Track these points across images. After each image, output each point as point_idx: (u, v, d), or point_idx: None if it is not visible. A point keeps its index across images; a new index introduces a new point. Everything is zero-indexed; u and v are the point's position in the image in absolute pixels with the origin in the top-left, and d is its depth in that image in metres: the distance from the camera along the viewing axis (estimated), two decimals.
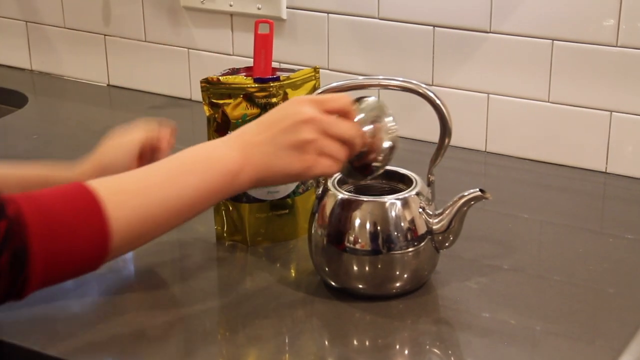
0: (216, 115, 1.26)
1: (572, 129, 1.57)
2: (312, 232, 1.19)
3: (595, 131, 1.55)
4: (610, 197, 1.53)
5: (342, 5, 1.70)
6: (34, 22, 2.08)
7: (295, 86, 1.28)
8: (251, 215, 1.30)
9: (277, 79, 1.26)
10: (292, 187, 1.30)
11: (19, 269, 0.92)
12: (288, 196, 1.30)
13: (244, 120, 1.25)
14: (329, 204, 1.17)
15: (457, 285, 1.21)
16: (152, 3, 1.91)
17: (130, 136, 1.25)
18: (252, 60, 1.30)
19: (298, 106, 1.06)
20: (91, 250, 0.96)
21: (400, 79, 1.17)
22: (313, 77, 1.30)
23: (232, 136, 1.07)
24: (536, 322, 1.14)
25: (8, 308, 1.15)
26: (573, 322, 1.14)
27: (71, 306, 1.18)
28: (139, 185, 1.00)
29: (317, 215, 1.18)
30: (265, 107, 1.25)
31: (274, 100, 1.26)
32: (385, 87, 1.19)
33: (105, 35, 2.00)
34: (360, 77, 1.28)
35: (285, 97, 1.27)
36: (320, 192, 1.20)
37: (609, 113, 1.53)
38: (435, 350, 1.10)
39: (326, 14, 1.72)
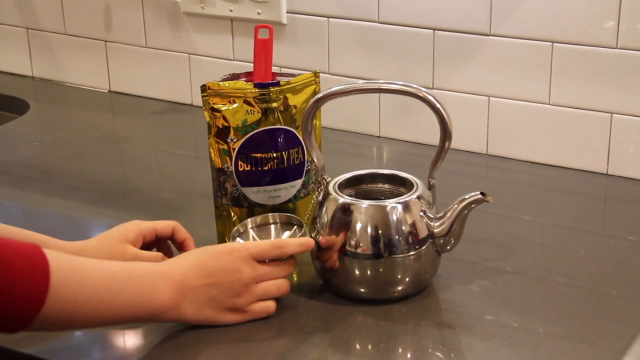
0: (217, 121, 1.26)
1: (573, 131, 1.57)
2: (314, 236, 1.19)
3: (596, 133, 1.55)
4: (611, 199, 1.53)
5: (343, 10, 1.70)
6: (35, 29, 2.08)
7: (296, 91, 1.28)
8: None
9: (277, 83, 1.26)
10: (293, 191, 1.30)
11: None
12: (289, 200, 1.30)
13: (244, 125, 1.25)
14: (330, 208, 1.17)
15: (459, 288, 1.21)
16: (153, 9, 1.91)
17: (121, 247, 1.21)
18: (252, 65, 1.30)
19: (239, 265, 1.11)
20: (23, 307, 0.95)
21: (400, 82, 1.17)
22: (313, 82, 1.30)
23: (174, 275, 1.08)
24: (538, 325, 1.14)
25: None
26: (575, 324, 1.14)
27: None
28: (84, 275, 1.00)
29: (318, 219, 1.19)
30: (265, 112, 1.26)
31: (274, 105, 1.26)
32: (386, 91, 1.19)
33: (106, 41, 2.00)
34: (361, 81, 1.29)
35: (285, 102, 1.27)
36: (321, 196, 1.20)
37: (609, 115, 1.53)
38: (438, 354, 1.10)
39: (326, 19, 1.72)
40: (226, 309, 1.12)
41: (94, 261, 1.05)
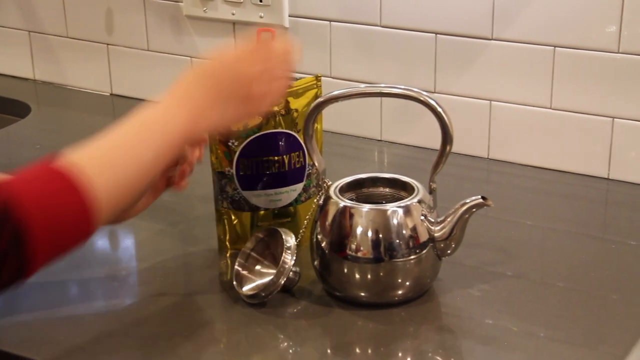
0: None
1: (575, 135, 1.57)
2: (314, 239, 1.19)
3: (597, 137, 1.55)
4: (613, 203, 1.53)
5: (345, 13, 1.70)
6: (37, 32, 2.08)
7: (297, 94, 1.28)
8: (253, 223, 1.30)
9: None
10: (294, 195, 1.30)
11: (21, 247, 0.92)
12: (290, 204, 1.30)
13: (245, 128, 1.25)
14: (330, 212, 1.17)
15: (459, 292, 1.21)
16: (155, 12, 1.91)
17: None
18: None
19: (246, 67, 1.12)
20: (80, 219, 0.97)
21: (402, 86, 1.17)
22: (315, 86, 1.30)
23: (180, 97, 1.10)
24: (539, 329, 1.14)
25: (10, 318, 1.16)
26: (576, 329, 1.13)
27: (75, 316, 1.18)
28: (109, 151, 1.03)
29: (318, 223, 1.19)
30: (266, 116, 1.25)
31: (275, 108, 1.26)
32: (387, 95, 1.19)
33: (108, 44, 2.00)
34: (363, 85, 1.29)
35: (287, 106, 1.27)
36: (321, 200, 1.20)
37: (611, 119, 1.53)
38: (438, 358, 1.10)
39: (328, 22, 1.72)
40: (244, 102, 1.12)
41: (108, 138, 1.05)
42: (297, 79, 1.30)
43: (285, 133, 1.27)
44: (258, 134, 1.26)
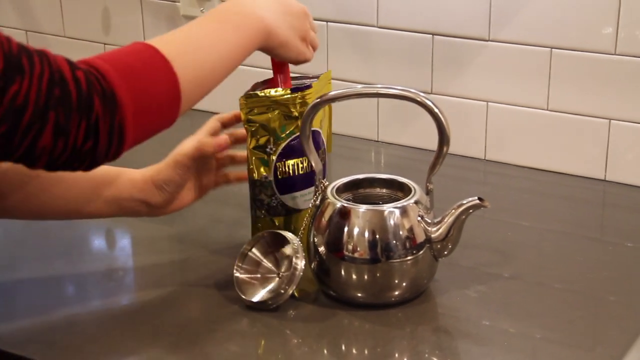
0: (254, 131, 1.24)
1: (571, 137, 1.57)
2: (311, 240, 1.19)
3: (594, 139, 1.55)
4: (609, 204, 1.53)
5: (341, 14, 1.70)
6: (34, 31, 2.08)
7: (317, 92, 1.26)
8: (287, 227, 1.28)
9: (309, 86, 1.24)
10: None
11: (113, 110, 0.93)
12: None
13: (283, 132, 1.23)
14: (327, 213, 1.17)
15: (456, 293, 1.21)
16: (152, 12, 1.91)
17: (182, 151, 1.25)
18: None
19: (298, 3, 1.20)
20: (167, 94, 0.99)
21: (399, 87, 1.17)
22: (329, 82, 1.30)
23: (254, 4, 1.14)
24: (536, 330, 1.14)
25: (7, 317, 1.16)
26: (573, 330, 1.14)
27: (71, 316, 1.18)
28: (189, 36, 1.06)
29: (315, 223, 1.18)
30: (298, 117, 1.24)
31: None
32: (384, 95, 1.19)
33: (105, 44, 2.00)
34: (359, 86, 1.29)
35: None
36: (318, 200, 1.20)
37: (607, 121, 1.53)
38: (435, 359, 1.10)
39: (325, 23, 1.72)
40: (301, 38, 1.20)
41: (186, 28, 1.08)
42: (316, 77, 1.28)
43: (317, 131, 1.25)
44: (295, 136, 1.23)
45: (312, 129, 1.23)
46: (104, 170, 1.21)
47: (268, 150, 1.24)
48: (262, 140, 1.23)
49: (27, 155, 0.91)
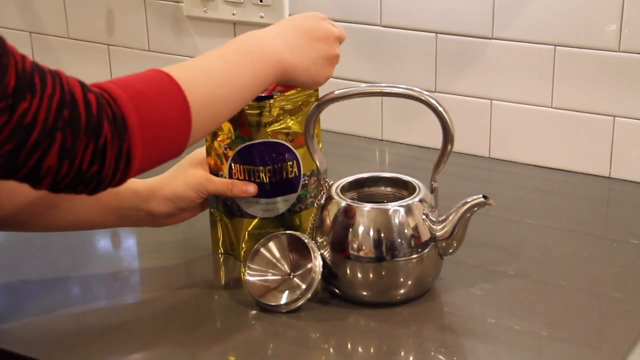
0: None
1: (576, 134, 1.57)
2: (316, 239, 1.19)
3: (598, 136, 1.55)
4: (614, 202, 1.53)
5: (345, 13, 1.70)
6: (38, 33, 2.08)
7: (294, 110, 1.26)
8: (245, 230, 1.29)
9: (270, 97, 1.23)
10: (287, 205, 1.27)
11: (121, 135, 0.93)
12: (283, 214, 1.28)
13: (237, 136, 1.23)
14: (332, 212, 1.17)
15: (461, 291, 1.21)
16: (155, 12, 1.91)
17: (211, 181, 1.25)
18: None
19: (326, 23, 1.20)
20: (178, 122, 0.99)
21: (403, 86, 1.17)
22: (313, 97, 1.28)
23: (275, 33, 1.15)
24: (541, 328, 1.13)
25: (13, 317, 1.16)
26: (578, 328, 1.13)
27: (76, 316, 1.18)
28: (204, 67, 1.06)
29: (320, 222, 1.19)
30: (257, 125, 1.24)
31: (266, 119, 1.24)
32: (388, 94, 1.19)
33: (108, 45, 2.00)
34: (363, 85, 1.28)
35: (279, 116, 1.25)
36: (323, 199, 1.20)
37: (612, 118, 1.53)
38: (440, 357, 1.10)
39: None
40: (326, 60, 1.19)
41: (202, 58, 1.09)
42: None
43: (278, 143, 1.25)
44: (249, 143, 1.24)
45: (276, 141, 1.24)
46: None
47: (224, 148, 1.25)
48: (222, 137, 1.25)
49: (32, 175, 0.91)
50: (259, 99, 1.23)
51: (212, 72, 1.05)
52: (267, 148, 1.24)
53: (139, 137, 0.94)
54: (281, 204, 1.27)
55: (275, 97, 1.24)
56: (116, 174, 0.94)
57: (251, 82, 1.09)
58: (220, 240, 1.31)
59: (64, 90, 0.91)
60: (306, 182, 1.28)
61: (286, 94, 1.25)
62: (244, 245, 1.29)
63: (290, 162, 1.25)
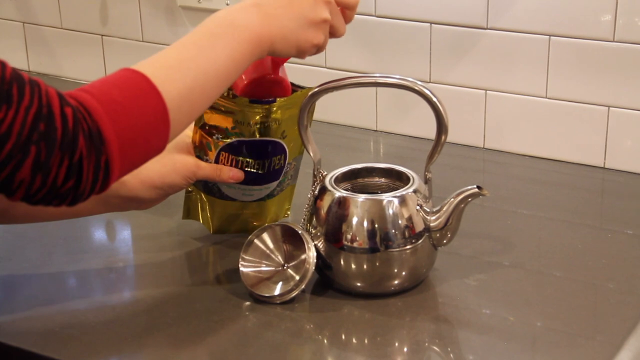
0: (207, 116, 1.24)
1: (570, 124, 1.57)
2: (309, 230, 1.18)
3: (593, 126, 1.55)
4: (609, 192, 1.53)
5: None
6: (31, 23, 2.08)
7: (287, 107, 1.25)
8: (220, 210, 1.30)
9: (274, 101, 1.23)
10: (267, 192, 1.28)
11: (98, 149, 0.92)
12: (262, 199, 1.28)
13: (233, 129, 1.23)
14: (326, 202, 1.17)
15: (455, 282, 1.21)
16: (149, 3, 1.91)
17: (199, 166, 1.25)
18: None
19: None
20: (156, 125, 0.97)
21: (397, 76, 1.16)
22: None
23: (249, 5, 1.08)
24: (536, 319, 1.13)
25: (7, 309, 1.16)
26: (573, 318, 1.13)
27: (70, 307, 1.18)
28: (178, 60, 1.02)
29: (314, 213, 1.18)
30: (256, 124, 1.24)
31: (269, 119, 1.24)
32: (382, 84, 1.19)
33: (102, 35, 2.00)
34: (357, 75, 1.28)
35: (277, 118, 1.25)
36: (317, 190, 1.19)
37: (606, 108, 1.53)
38: (435, 348, 1.10)
39: None
40: (312, 25, 1.11)
41: (174, 47, 1.04)
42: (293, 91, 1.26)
43: (272, 141, 1.25)
44: (244, 139, 1.24)
45: (271, 139, 1.24)
46: None
47: (215, 137, 1.24)
48: (213, 127, 1.24)
49: (4, 187, 0.90)
50: (262, 102, 1.22)
51: (187, 64, 1.02)
52: (261, 145, 1.24)
53: (117, 148, 0.93)
54: (263, 190, 1.28)
55: (278, 101, 1.23)
56: (95, 186, 0.93)
57: (228, 66, 1.05)
58: (193, 210, 1.32)
59: (41, 103, 0.89)
60: (288, 169, 1.29)
61: (288, 97, 1.24)
62: (216, 221, 1.30)
63: (279, 156, 1.26)
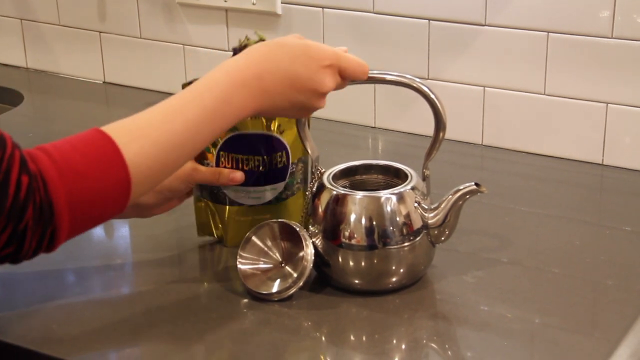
0: None
1: (569, 121, 1.57)
2: (307, 227, 1.18)
3: (591, 123, 1.55)
4: (607, 189, 1.53)
5: (337, 0, 1.70)
6: (29, 20, 2.07)
7: None
8: (231, 217, 1.29)
9: None
10: (274, 193, 1.27)
11: (46, 221, 0.92)
12: (270, 202, 1.28)
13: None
14: (324, 200, 1.17)
15: (453, 279, 1.21)
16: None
17: (198, 170, 1.24)
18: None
19: (323, 76, 1.10)
20: (115, 196, 0.97)
21: (395, 73, 1.16)
22: None
23: (252, 77, 1.06)
24: (534, 315, 1.13)
25: (5, 307, 1.16)
26: (571, 315, 1.13)
27: (68, 305, 1.18)
28: (158, 138, 1.00)
29: (312, 210, 1.18)
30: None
31: None
32: (380, 81, 1.19)
33: (100, 32, 2.00)
34: None
35: None
36: (315, 187, 1.19)
37: (605, 105, 1.53)
38: (433, 345, 1.10)
39: (321, 9, 1.72)
40: (305, 110, 1.12)
41: (163, 116, 1.02)
42: None
43: (267, 135, 1.24)
44: (238, 133, 1.23)
45: (266, 133, 1.23)
46: None
47: None
48: None
49: None
50: None
51: (167, 142, 1.00)
52: (257, 139, 1.24)
53: (67, 220, 0.93)
54: (269, 192, 1.27)
55: None
56: (38, 252, 0.94)
57: (209, 139, 1.05)
58: (206, 225, 1.31)
59: (0, 167, 0.89)
60: (294, 170, 1.27)
61: None
62: (230, 231, 1.28)
63: (280, 153, 1.25)
